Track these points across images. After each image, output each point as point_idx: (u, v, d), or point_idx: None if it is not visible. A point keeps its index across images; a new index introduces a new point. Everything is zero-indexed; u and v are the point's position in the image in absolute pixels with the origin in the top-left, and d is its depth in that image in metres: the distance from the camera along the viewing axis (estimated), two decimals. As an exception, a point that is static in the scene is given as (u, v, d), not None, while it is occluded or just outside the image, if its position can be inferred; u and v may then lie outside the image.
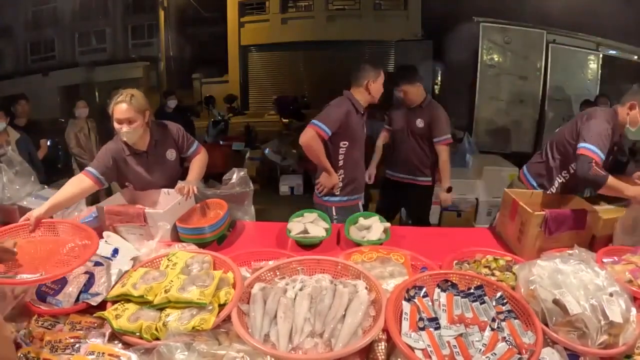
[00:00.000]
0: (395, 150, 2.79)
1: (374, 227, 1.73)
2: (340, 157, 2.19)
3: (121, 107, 1.75)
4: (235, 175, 2.00)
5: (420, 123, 2.65)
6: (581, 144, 1.67)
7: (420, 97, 2.65)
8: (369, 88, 2.15)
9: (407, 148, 2.71)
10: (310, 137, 2.08)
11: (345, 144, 2.17)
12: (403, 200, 2.95)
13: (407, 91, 2.62)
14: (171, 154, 1.95)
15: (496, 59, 5.03)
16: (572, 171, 1.85)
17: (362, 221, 1.80)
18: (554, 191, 1.92)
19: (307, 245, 1.72)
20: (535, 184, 1.99)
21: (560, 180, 1.91)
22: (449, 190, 2.70)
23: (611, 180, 1.58)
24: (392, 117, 2.81)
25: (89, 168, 1.78)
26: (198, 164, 1.97)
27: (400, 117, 2.74)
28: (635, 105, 1.71)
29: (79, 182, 1.72)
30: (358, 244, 1.61)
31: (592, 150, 1.63)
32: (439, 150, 2.63)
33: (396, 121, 2.76)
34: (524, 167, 2.12)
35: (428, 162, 2.73)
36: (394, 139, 2.80)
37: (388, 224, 1.76)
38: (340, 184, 2.23)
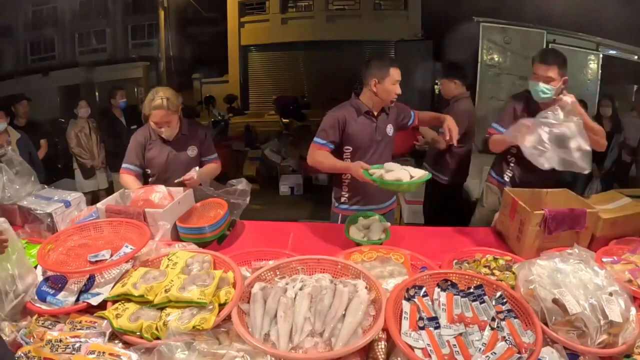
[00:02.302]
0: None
1: (374, 227, 1.73)
2: (347, 160, 2.03)
3: (160, 112, 1.91)
4: (240, 186, 1.97)
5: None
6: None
7: (451, 93, 2.79)
8: (374, 89, 1.93)
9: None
10: (312, 154, 1.99)
11: (348, 149, 2.02)
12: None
13: (444, 84, 2.79)
14: (192, 151, 2.09)
15: (496, 59, 5.02)
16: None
17: (362, 221, 1.79)
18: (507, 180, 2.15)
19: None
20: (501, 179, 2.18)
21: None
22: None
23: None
24: None
25: (123, 165, 2.03)
26: (210, 167, 2.12)
27: None
28: None
29: (130, 179, 1.99)
30: (358, 244, 1.61)
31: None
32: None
33: None
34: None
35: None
36: None
37: (388, 224, 1.75)
38: (346, 192, 2.08)
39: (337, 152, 2.01)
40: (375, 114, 2.01)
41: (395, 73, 1.91)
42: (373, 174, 1.67)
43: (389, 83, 1.91)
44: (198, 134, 2.11)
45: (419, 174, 1.63)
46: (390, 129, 2.06)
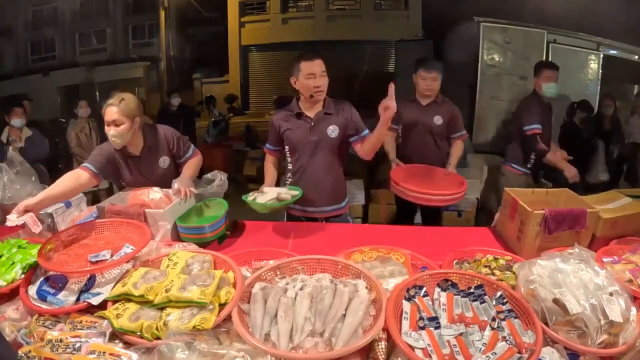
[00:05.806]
0: (410, 148, 2.71)
1: (270, 192, 1.83)
2: (289, 162, 2.09)
3: (110, 109, 1.78)
4: (217, 181, 1.94)
5: (438, 120, 2.62)
6: None
7: (437, 90, 2.63)
8: (296, 87, 1.97)
9: (424, 145, 2.67)
10: (265, 160, 2.15)
11: (287, 149, 2.08)
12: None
13: (437, 79, 2.56)
14: (164, 162, 1.97)
15: (497, 59, 5.03)
16: None
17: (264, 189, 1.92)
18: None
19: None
20: None
21: None
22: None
23: None
24: (401, 113, 2.52)
25: (85, 163, 1.82)
26: (191, 165, 2.00)
27: (413, 114, 2.65)
28: None
29: (76, 177, 1.75)
30: (253, 207, 1.78)
31: None
32: (456, 143, 2.68)
33: (407, 117, 2.66)
34: None
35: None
36: (407, 136, 2.71)
37: (297, 192, 1.86)
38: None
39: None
40: (311, 115, 1.99)
41: (305, 66, 1.89)
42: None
43: (303, 77, 1.91)
44: (165, 139, 1.96)
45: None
46: (333, 131, 1.99)
